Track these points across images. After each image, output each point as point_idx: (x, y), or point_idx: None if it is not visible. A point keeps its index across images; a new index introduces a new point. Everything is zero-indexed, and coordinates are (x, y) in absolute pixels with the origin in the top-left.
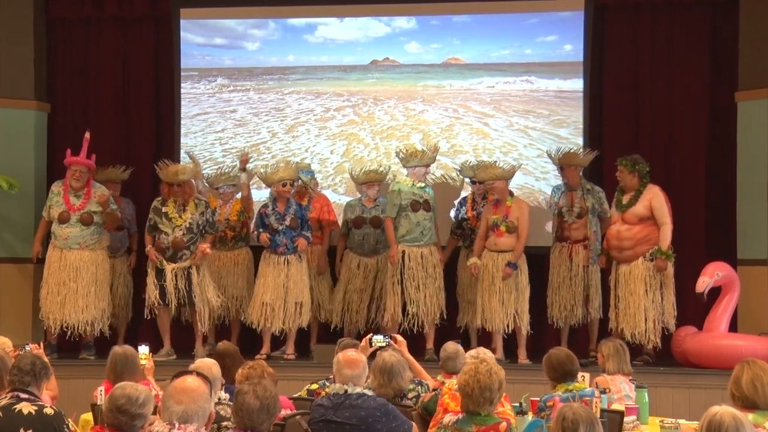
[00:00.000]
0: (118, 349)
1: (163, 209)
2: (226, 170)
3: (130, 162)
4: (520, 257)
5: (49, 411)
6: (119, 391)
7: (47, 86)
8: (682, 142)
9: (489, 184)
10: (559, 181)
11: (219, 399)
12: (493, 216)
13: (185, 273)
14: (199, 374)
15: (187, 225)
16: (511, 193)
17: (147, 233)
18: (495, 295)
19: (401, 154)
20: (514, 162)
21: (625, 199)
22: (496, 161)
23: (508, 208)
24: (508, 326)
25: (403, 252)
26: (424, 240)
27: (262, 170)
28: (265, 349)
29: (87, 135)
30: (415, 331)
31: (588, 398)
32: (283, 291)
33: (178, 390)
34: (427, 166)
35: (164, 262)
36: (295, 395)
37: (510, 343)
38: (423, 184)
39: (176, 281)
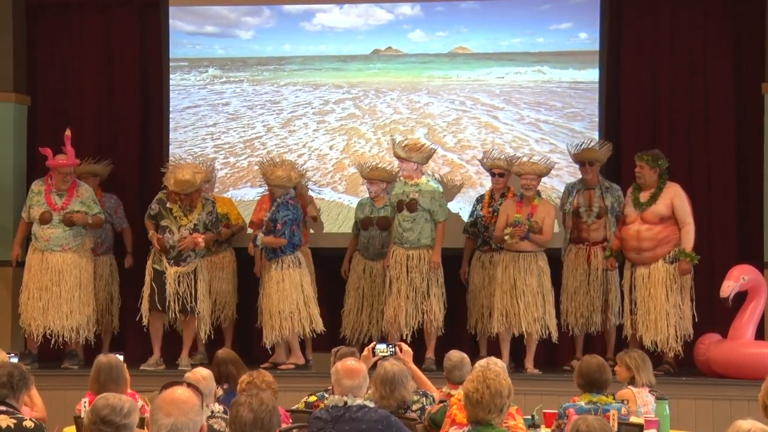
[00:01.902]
0: (102, 358)
1: (168, 204)
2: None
3: (116, 157)
4: (540, 252)
5: (28, 424)
6: (102, 402)
7: (27, 78)
8: (707, 137)
9: (528, 178)
10: (571, 178)
11: (212, 412)
12: (516, 214)
13: (190, 277)
14: (189, 385)
15: (193, 225)
16: (538, 193)
17: (147, 219)
18: (516, 298)
19: (394, 143)
20: (525, 158)
21: (643, 197)
22: (532, 156)
23: (534, 207)
24: (527, 333)
25: (392, 254)
26: (408, 242)
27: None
28: (274, 357)
29: (68, 132)
30: (407, 338)
31: (610, 413)
32: (267, 299)
33: (167, 402)
34: (414, 162)
35: (165, 263)
36: (292, 407)
37: (518, 352)
38: (417, 182)
39: (178, 285)
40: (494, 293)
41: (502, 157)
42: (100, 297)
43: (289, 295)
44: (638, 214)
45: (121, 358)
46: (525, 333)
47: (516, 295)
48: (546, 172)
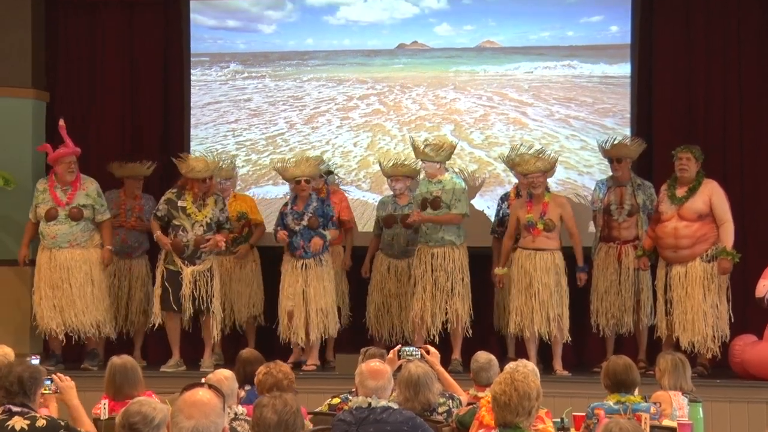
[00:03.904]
0: (116, 360)
1: (179, 203)
2: (222, 162)
3: (136, 154)
4: (557, 250)
5: (41, 423)
6: (136, 407)
7: (46, 73)
8: (741, 132)
9: (533, 176)
10: (602, 176)
11: (236, 414)
12: (527, 214)
13: (205, 275)
14: (211, 387)
15: (207, 221)
16: (547, 189)
17: (153, 220)
18: (533, 297)
19: (416, 144)
20: (554, 154)
21: (680, 192)
22: (543, 151)
23: (545, 204)
24: (548, 333)
25: (417, 253)
26: (432, 240)
27: (279, 164)
28: (293, 357)
29: (61, 122)
30: (434, 338)
31: (641, 413)
32: (302, 298)
33: (189, 404)
34: (437, 161)
35: (180, 263)
36: (315, 410)
37: (547, 353)
38: (440, 179)
39: (195, 285)
40: (510, 293)
41: (518, 154)
42: (135, 297)
43: (331, 293)
44: (675, 210)
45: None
46: (537, 334)
47: (531, 294)
48: (551, 167)
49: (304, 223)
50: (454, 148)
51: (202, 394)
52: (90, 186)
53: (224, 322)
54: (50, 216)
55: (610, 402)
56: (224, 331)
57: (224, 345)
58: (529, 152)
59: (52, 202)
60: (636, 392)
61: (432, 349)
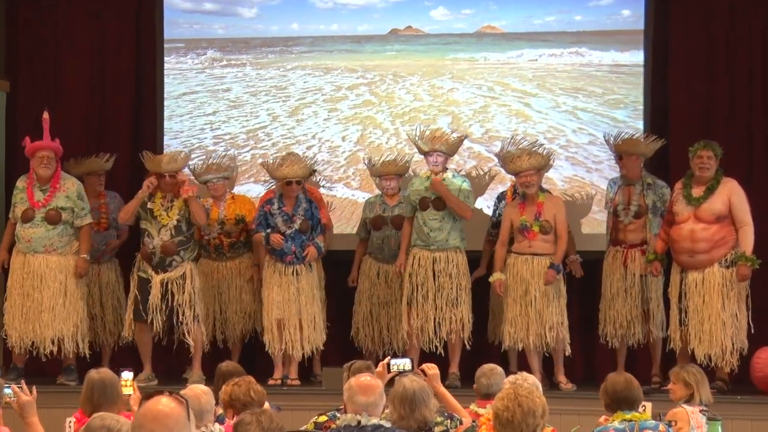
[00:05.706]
0: (94, 374)
1: (149, 204)
2: (216, 159)
3: (105, 148)
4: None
5: None
6: (98, 422)
7: (6, 60)
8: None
9: (526, 175)
10: (613, 173)
11: None
12: (520, 216)
13: (177, 283)
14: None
15: (175, 223)
16: (542, 188)
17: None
18: (529, 306)
19: (415, 135)
20: (560, 150)
21: (697, 192)
22: (545, 149)
23: (540, 205)
24: (546, 344)
25: (413, 258)
26: (435, 243)
27: (270, 162)
28: (278, 373)
29: (45, 115)
30: (437, 352)
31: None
32: (292, 307)
33: (149, 418)
34: (441, 153)
35: (150, 270)
36: (300, 429)
37: (552, 366)
38: (443, 177)
39: (165, 294)
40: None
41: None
42: (107, 305)
43: (318, 302)
44: (691, 211)
45: (130, 375)
46: (533, 345)
47: (527, 302)
48: (545, 163)
49: (296, 226)
50: (461, 140)
51: (164, 403)
52: (71, 187)
53: (216, 334)
54: (26, 217)
55: (616, 422)
56: (217, 344)
57: (203, 358)
58: (521, 147)
59: (29, 203)
60: (648, 411)
61: (430, 370)
